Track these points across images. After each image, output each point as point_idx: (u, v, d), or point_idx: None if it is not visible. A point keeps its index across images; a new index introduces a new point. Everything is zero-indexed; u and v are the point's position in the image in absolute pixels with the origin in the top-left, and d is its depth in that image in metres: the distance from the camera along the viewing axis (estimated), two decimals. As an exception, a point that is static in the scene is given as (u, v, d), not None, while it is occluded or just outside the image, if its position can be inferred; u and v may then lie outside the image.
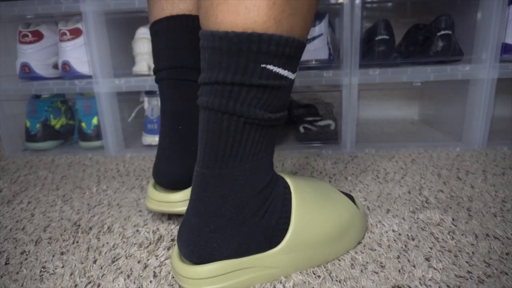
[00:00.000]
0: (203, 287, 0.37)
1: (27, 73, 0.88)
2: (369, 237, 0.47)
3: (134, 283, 0.40)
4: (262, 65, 0.34)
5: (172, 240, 0.48)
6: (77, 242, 0.49)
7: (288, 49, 0.34)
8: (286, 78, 0.36)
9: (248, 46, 0.33)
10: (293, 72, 0.37)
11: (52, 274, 0.42)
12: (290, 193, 0.41)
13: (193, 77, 0.49)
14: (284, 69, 0.35)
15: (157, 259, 0.44)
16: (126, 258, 0.45)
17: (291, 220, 0.40)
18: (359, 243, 0.46)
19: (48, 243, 0.49)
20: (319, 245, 0.41)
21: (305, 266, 0.41)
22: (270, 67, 0.34)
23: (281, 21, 0.34)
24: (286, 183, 0.42)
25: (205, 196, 0.37)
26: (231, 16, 0.33)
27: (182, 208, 0.48)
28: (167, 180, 0.48)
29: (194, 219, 0.38)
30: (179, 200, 0.48)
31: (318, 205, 0.42)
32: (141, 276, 0.41)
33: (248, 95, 0.35)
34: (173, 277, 0.40)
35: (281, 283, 0.39)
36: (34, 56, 0.88)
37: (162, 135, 0.50)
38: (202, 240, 0.37)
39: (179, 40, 0.49)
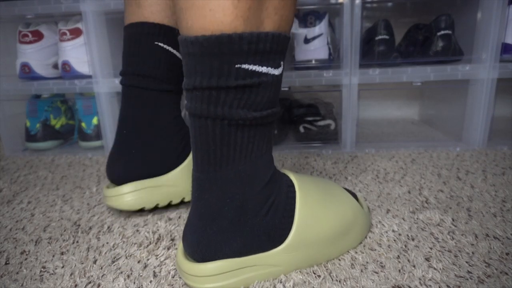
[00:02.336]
0: (207, 285, 0.37)
1: (27, 73, 0.88)
2: (369, 237, 0.47)
3: (134, 283, 0.40)
4: (236, 66, 0.33)
5: (172, 239, 0.48)
6: (77, 242, 0.49)
7: (262, 45, 0.34)
8: (266, 74, 0.35)
9: (219, 49, 0.33)
10: (275, 67, 0.36)
11: (52, 274, 0.42)
12: (294, 191, 0.41)
13: (144, 84, 0.50)
14: (262, 66, 0.34)
15: (157, 258, 0.44)
16: (126, 258, 0.45)
17: (294, 219, 0.40)
18: (360, 242, 0.46)
19: (48, 243, 0.49)
20: (322, 244, 0.41)
21: (308, 264, 0.41)
22: (245, 66, 0.34)
23: (249, 18, 0.33)
24: (290, 181, 0.42)
25: (204, 199, 0.38)
26: (199, 20, 0.33)
27: (130, 198, 0.51)
28: (111, 177, 0.51)
29: (196, 220, 0.38)
30: (125, 192, 0.51)
31: (322, 203, 0.43)
32: (141, 276, 0.41)
33: (227, 97, 0.34)
34: (173, 277, 0.40)
35: (281, 282, 0.39)
36: (34, 56, 0.88)
37: (115, 137, 0.53)
38: (205, 241, 0.37)
39: (137, 47, 0.50)
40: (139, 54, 0.50)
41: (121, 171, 0.51)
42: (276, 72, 0.36)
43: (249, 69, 0.34)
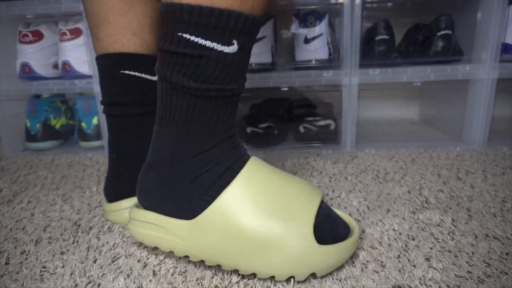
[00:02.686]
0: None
1: (27, 73, 0.88)
2: (370, 234, 0.47)
3: (134, 282, 0.40)
4: (178, 34, 0.35)
5: (172, 239, 0.48)
6: (77, 241, 0.49)
7: (205, 19, 0.34)
8: (211, 49, 0.36)
9: (169, 16, 0.35)
10: (225, 45, 0.36)
11: (52, 274, 0.42)
12: (235, 174, 0.40)
13: (122, 112, 0.52)
14: (206, 40, 0.35)
15: (156, 258, 0.44)
16: (126, 257, 0.45)
17: (217, 198, 0.38)
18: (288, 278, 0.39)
19: (48, 242, 0.49)
20: (233, 242, 0.38)
21: (212, 258, 0.39)
22: (186, 36, 0.35)
23: None
24: (241, 166, 0.40)
25: (151, 149, 0.42)
26: None
27: (125, 215, 0.53)
28: (110, 196, 0.54)
29: (144, 164, 0.44)
30: (124, 207, 0.53)
31: (262, 202, 0.38)
32: (140, 275, 0.41)
33: (170, 61, 0.37)
34: (172, 275, 0.41)
35: (281, 282, 0.39)
36: (34, 56, 0.88)
37: (108, 161, 0.56)
38: (139, 185, 0.43)
39: (106, 78, 0.52)
40: (110, 85, 0.51)
41: (118, 190, 0.53)
42: (227, 50, 0.36)
43: (190, 39, 0.35)
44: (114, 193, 0.53)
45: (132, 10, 0.49)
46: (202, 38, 0.35)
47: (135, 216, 0.43)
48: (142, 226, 0.42)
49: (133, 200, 0.53)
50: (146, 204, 0.42)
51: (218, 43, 0.36)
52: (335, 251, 0.38)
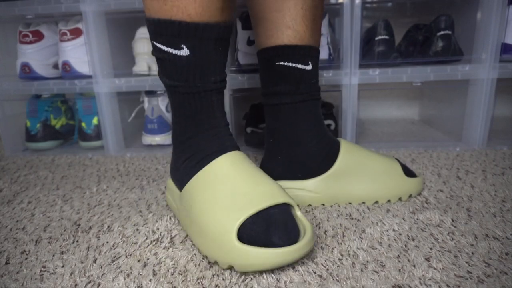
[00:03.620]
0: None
1: (27, 73, 0.88)
2: (370, 234, 0.47)
3: (134, 282, 0.40)
4: (153, 42, 0.46)
5: (172, 238, 0.48)
6: (77, 241, 0.49)
7: (159, 29, 0.44)
8: (168, 53, 0.44)
9: (148, 28, 0.46)
10: (176, 49, 0.44)
11: (52, 273, 0.42)
12: (204, 165, 0.47)
13: (277, 101, 0.56)
14: (164, 46, 0.44)
15: (156, 257, 0.44)
16: (126, 257, 0.45)
17: (185, 185, 0.48)
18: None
19: (48, 242, 0.49)
20: (187, 219, 0.47)
21: (183, 228, 0.50)
22: (155, 43, 0.45)
23: (162, 6, 0.43)
24: (221, 153, 0.48)
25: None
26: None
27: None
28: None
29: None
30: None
31: (209, 195, 0.45)
32: (140, 274, 0.41)
33: (157, 65, 0.48)
34: (172, 274, 0.41)
35: (281, 281, 0.39)
36: (34, 56, 0.88)
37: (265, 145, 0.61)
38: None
39: (269, 70, 0.56)
40: (268, 76, 0.57)
41: (271, 171, 0.57)
42: (179, 53, 0.44)
43: (157, 46, 0.45)
44: (268, 174, 0.56)
45: (285, 5, 0.52)
46: (161, 44, 0.44)
47: (167, 185, 0.56)
48: (167, 192, 0.56)
49: (281, 183, 0.57)
50: (171, 175, 0.54)
51: (171, 48, 0.44)
52: (256, 254, 0.38)
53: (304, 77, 0.55)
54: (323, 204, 0.57)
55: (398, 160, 0.60)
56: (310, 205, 0.57)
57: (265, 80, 0.57)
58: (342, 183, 0.55)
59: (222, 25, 0.45)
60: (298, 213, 0.44)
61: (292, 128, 0.56)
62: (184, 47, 0.44)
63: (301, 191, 0.56)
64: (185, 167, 0.49)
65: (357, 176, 0.56)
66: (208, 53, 0.45)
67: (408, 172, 0.59)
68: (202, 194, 0.45)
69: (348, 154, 0.56)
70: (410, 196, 0.57)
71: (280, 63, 0.54)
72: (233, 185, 0.44)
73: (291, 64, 0.54)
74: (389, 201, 0.56)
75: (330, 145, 0.56)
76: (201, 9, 0.43)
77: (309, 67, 0.55)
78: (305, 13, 0.53)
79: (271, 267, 0.39)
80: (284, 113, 0.56)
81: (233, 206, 0.42)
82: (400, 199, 0.57)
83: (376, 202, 0.56)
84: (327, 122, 0.90)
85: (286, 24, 0.53)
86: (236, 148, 0.49)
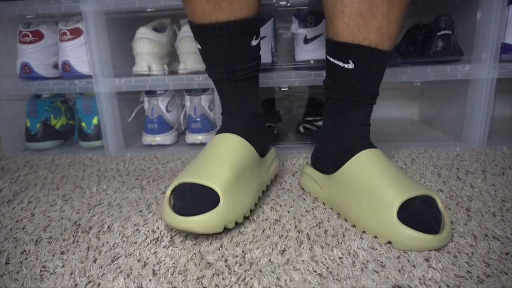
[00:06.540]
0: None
1: (27, 73, 0.88)
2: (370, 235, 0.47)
3: (134, 282, 0.40)
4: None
5: (172, 238, 0.48)
6: (77, 241, 0.49)
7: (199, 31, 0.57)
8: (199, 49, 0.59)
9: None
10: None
11: (52, 273, 0.42)
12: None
13: (347, 97, 0.57)
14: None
15: (156, 257, 0.44)
16: (126, 257, 0.45)
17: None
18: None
19: (48, 242, 0.49)
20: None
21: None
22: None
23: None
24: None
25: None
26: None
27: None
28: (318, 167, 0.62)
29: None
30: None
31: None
32: (140, 274, 0.41)
33: None
34: (172, 274, 0.41)
35: (281, 281, 0.39)
36: (34, 56, 0.88)
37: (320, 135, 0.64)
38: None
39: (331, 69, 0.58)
40: (331, 72, 0.58)
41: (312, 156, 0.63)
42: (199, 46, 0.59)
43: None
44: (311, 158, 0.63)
45: None
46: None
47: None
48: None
49: (312, 170, 0.62)
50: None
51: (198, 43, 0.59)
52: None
53: (343, 75, 0.56)
54: (324, 204, 0.57)
55: (434, 198, 0.48)
56: (316, 199, 0.59)
57: (328, 78, 0.60)
58: (340, 194, 0.53)
59: (217, 25, 0.54)
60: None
61: (323, 123, 0.62)
62: (197, 43, 0.59)
63: (315, 182, 0.60)
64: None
65: (350, 195, 0.51)
66: (208, 48, 0.57)
67: (430, 224, 0.45)
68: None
69: (355, 167, 0.52)
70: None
71: (329, 57, 0.57)
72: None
73: (331, 60, 0.56)
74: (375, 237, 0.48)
75: (345, 150, 0.55)
76: (190, 11, 0.55)
77: (349, 66, 0.54)
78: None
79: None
80: (325, 107, 0.61)
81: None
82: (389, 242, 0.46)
83: (364, 232, 0.49)
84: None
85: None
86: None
